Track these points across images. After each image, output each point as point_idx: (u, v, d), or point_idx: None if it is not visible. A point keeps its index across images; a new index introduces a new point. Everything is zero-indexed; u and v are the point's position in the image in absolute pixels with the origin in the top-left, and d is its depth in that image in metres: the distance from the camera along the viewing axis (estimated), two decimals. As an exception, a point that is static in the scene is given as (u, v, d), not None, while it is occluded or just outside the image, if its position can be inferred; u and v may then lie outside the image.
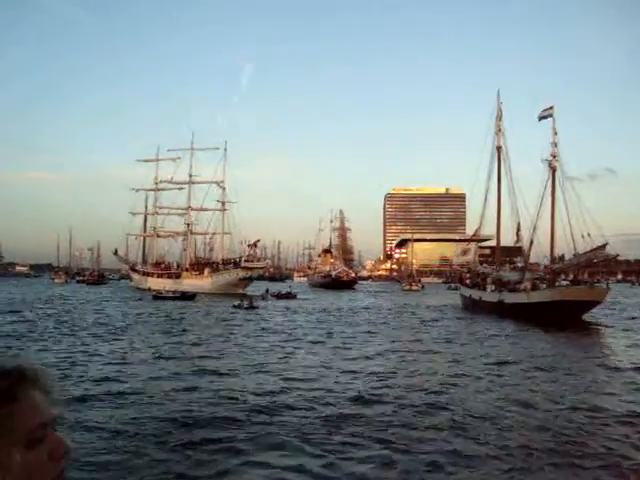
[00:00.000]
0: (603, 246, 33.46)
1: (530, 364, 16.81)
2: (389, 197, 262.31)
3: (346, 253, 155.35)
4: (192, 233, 68.62)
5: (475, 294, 41.09)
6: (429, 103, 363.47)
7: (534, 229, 37.74)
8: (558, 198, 36.32)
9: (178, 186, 69.16)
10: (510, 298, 36.42)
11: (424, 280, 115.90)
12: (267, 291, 54.34)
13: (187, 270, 65.48)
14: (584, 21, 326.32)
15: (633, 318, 35.92)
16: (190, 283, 61.05)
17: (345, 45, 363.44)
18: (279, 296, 52.70)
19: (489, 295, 39.15)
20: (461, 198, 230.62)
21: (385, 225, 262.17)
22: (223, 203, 66.35)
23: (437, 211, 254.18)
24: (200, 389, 12.42)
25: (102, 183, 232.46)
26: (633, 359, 18.38)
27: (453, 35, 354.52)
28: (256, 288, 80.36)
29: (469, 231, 54.70)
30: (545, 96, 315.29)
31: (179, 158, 68.59)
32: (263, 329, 25.99)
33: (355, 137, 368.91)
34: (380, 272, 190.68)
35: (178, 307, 39.10)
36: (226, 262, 63.22)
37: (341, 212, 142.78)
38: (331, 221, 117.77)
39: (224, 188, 66.08)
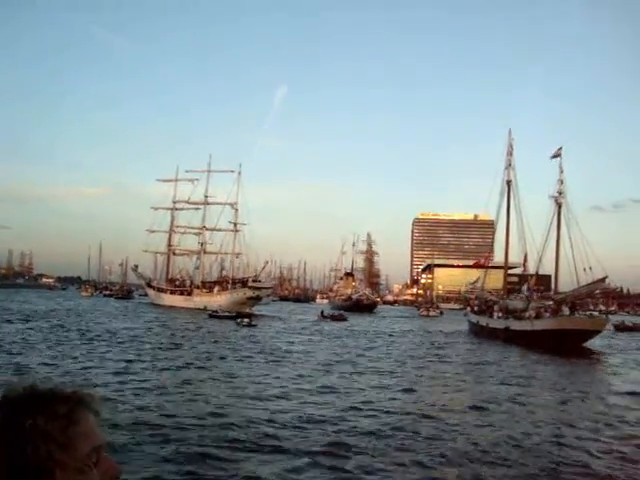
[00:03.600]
0: (603, 279, 35.02)
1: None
2: (417, 222, 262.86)
3: (373, 277, 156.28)
4: (205, 252, 72.18)
5: (482, 320, 42.57)
6: (462, 129, 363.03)
7: (539, 261, 39.39)
8: (564, 233, 38.16)
9: (194, 206, 72.94)
10: (516, 325, 37.87)
11: (447, 306, 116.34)
12: (322, 313, 59.56)
13: (198, 288, 68.73)
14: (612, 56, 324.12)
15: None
16: (201, 300, 64.53)
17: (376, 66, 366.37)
18: (332, 317, 57.38)
19: (495, 322, 40.59)
20: (489, 225, 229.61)
21: (412, 250, 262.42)
22: (235, 224, 69.95)
23: (465, 237, 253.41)
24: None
25: (137, 200, 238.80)
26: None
27: (479, 65, 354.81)
28: (278, 307, 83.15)
29: (497, 258, 55.89)
30: (569, 125, 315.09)
31: (197, 179, 72.55)
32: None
33: (388, 161, 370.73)
34: (406, 297, 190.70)
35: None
36: (235, 281, 66.13)
37: (369, 236, 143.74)
38: (353, 244, 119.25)
39: (237, 209, 69.88)
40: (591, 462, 9.75)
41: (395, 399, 15.01)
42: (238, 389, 15.55)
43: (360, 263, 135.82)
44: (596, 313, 36.70)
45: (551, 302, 38.43)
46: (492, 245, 43.85)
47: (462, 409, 14.05)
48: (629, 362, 28.61)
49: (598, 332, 34.89)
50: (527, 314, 38.03)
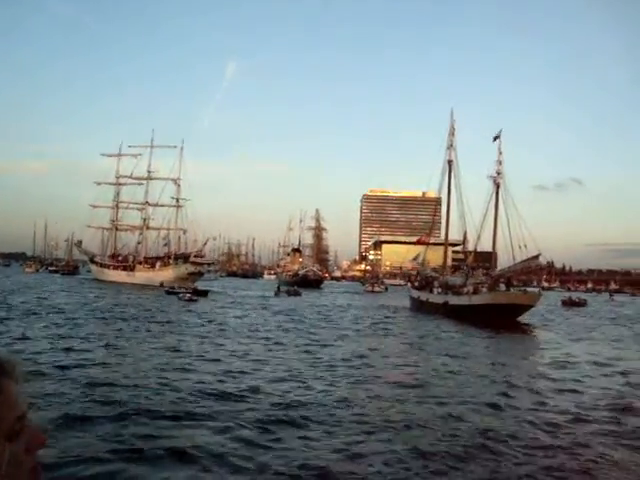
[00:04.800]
0: (537, 256, 36.47)
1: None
2: (365, 198, 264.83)
3: (321, 253, 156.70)
4: (148, 228, 72.22)
5: (423, 295, 43.51)
6: (414, 108, 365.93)
7: (478, 238, 40.46)
8: (502, 212, 39.22)
9: (137, 181, 72.81)
10: (454, 300, 38.86)
11: (393, 282, 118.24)
12: (279, 288, 61.23)
13: (140, 263, 68.78)
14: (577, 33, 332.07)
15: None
16: (143, 276, 65.45)
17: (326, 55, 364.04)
18: (288, 292, 58.88)
19: (435, 297, 41.57)
20: (436, 202, 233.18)
21: (361, 226, 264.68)
22: (177, 200, 70.02)
23: (413, 214, 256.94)
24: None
25: (83, 174, 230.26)
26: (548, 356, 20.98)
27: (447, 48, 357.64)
28: (225, 283, 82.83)
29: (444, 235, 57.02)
30: (518, 107, 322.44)
31: (140, 155, 72.27)
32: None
33: (339, 138, 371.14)
34: (354, 273, 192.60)
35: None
36: (177, 257, 66.21)
37: (317, 211, 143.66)
38: (300, 220, 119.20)
39: (179, 185, 69.94)
40: (519, 430, 10.07)
41: (321, 371, 15.08)
42: (163, 361, 15.41)
43: (309, 239, 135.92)
44: (537, 289, 37.93)
45: (488, 277, 39.65)
46: (433, 223, 44.67)
47: (392, 381, 14.26)
48: (560, 334, 29.85)
49: (531, 306, 36.23)
50: (465, 290, 39.06)
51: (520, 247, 36.90)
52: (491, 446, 8.95)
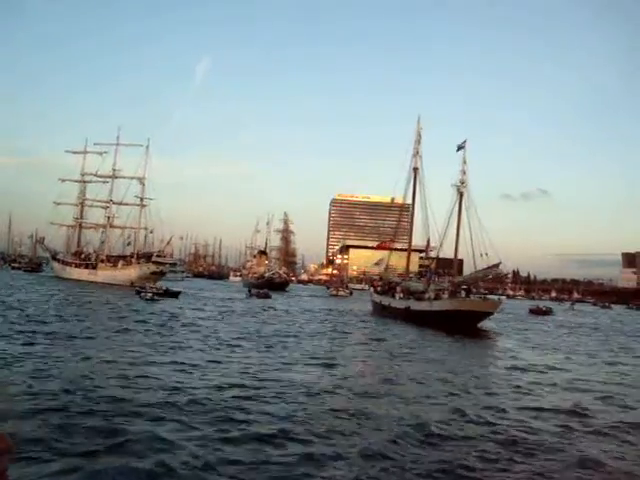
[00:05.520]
0: (497, 264, 37.27)
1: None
2: (334, 203, 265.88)
3: (289, 256, 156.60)
4: (112, 226, 71.84)
5: (385, 300, 43.96)
6: (385, 113, 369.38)
7: (440, 246, 41.25)
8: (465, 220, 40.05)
9: (102, 179, 72.48)
10: (415, 305, 39.37)
11: (359, 287, 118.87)
12: (250, 291, 62.48)
13: (103, 262, 68.49)
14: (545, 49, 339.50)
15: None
16: (105, 274, 65.44)
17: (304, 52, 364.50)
18: (258, 295, 59.44)
19: (397, 302, 42.02)
20: (405, 209, 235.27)
21: (329, 230, 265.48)
22: (142, 199, 69.86)
23: (381, 219, 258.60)
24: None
25: (49, 171, 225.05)
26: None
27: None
28: (193, 284, 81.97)
29: (414, 241, 57.69)
30: (486, 117, 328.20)
31: (106, 152, 71.64)
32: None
33: (310, 141, 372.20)
34: (321, 277, 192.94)
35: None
36: (140, 256, 66.08)
37: (285, 214, 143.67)
38: (267, 223, 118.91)
39: (143, 184, 69.76)
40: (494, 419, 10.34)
41: (276, 372, 15.15)
42: (116, 360, 15.25)
43: (277, 242, 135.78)
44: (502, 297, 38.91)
45: (449, 285, 40.29)
46: (397, 229, 45.33)
47: (348, 384, 14.42)
48: (519, 341, 30.60)
49: (491, 313, 36.97)
50: (427, 295, 39.59)
51: (482, 255, 37.76)
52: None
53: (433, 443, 9.44)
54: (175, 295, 46.94)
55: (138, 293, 45.02)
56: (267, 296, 59.08)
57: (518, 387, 15.69)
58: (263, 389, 12.92)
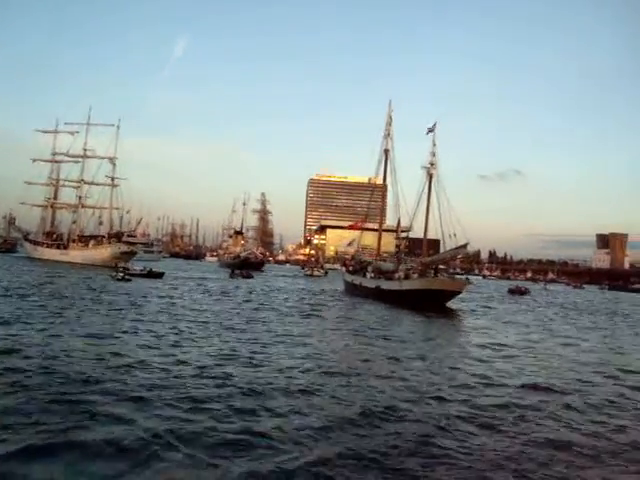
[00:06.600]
0: (465, 245, 38.03)
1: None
2: (312, 183, 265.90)
3: (267, 236, 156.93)
4: (83, 206, 71.83)
5: (356, 280, 44.63)
6: (364, 94, 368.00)
7: (410, 226, 41.89)
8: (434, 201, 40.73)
9: (74, 159, 72.38)
10: (386, 285, 40.05)
11: (333, 266, 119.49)
12: (233, 271, 63.51)
13: (74, 242, 68.64)
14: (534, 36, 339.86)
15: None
16: (76, 254, 65.76)
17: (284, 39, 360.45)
18: (242, 275, 61.28)
19: (368, 281, 42.70)
20: (378, 190, 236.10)
21: (307, 210, 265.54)
22: (113, 179, 69.75)
23: (358, 199, 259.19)
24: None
25: (25, 150, 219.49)
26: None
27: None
28: (167, 264, 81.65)
29: (389, 221, 58.57)
30: (463, 98, 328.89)
31: (77, 132, 71.39)
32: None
33: (290, 121, 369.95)
34: (298, 257, 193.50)
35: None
36: (111, 236, 66.30)
37: (263, 195, 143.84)
38: (244, 203, 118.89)
39: (114, 164, 69.73)
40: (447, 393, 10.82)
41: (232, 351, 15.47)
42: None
43: (254, 222, 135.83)
44: (479, 277, 39.85)
45: (418, 264, 41.04)
46: (368, 209, 45.91)
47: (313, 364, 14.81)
48: (486, 320, 31.57)
49: (458, 293, 37.76)
50: (397, 275, 40.26)
51: (450, 236, 38.49)
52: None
53: (391, 419, 9.82)
54: (160, 276, 47.22)
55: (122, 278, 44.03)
56: (249, 276, 61.00)
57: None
58: (230, 366, 13.25)
